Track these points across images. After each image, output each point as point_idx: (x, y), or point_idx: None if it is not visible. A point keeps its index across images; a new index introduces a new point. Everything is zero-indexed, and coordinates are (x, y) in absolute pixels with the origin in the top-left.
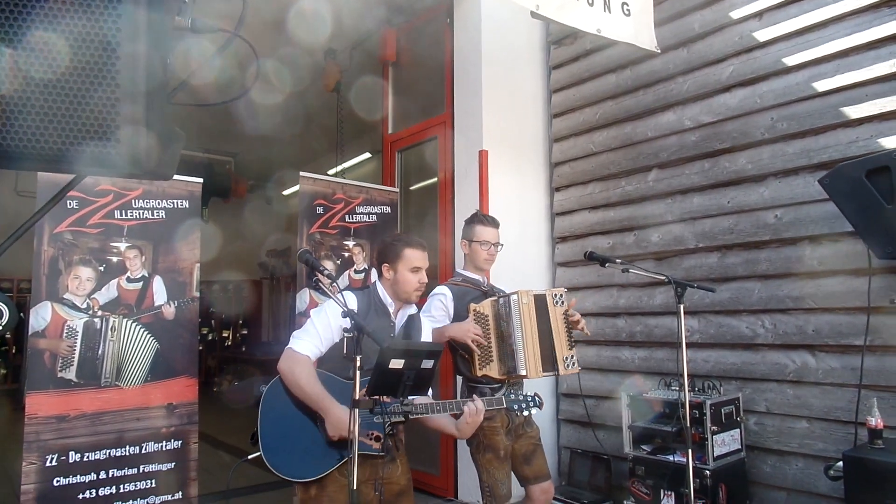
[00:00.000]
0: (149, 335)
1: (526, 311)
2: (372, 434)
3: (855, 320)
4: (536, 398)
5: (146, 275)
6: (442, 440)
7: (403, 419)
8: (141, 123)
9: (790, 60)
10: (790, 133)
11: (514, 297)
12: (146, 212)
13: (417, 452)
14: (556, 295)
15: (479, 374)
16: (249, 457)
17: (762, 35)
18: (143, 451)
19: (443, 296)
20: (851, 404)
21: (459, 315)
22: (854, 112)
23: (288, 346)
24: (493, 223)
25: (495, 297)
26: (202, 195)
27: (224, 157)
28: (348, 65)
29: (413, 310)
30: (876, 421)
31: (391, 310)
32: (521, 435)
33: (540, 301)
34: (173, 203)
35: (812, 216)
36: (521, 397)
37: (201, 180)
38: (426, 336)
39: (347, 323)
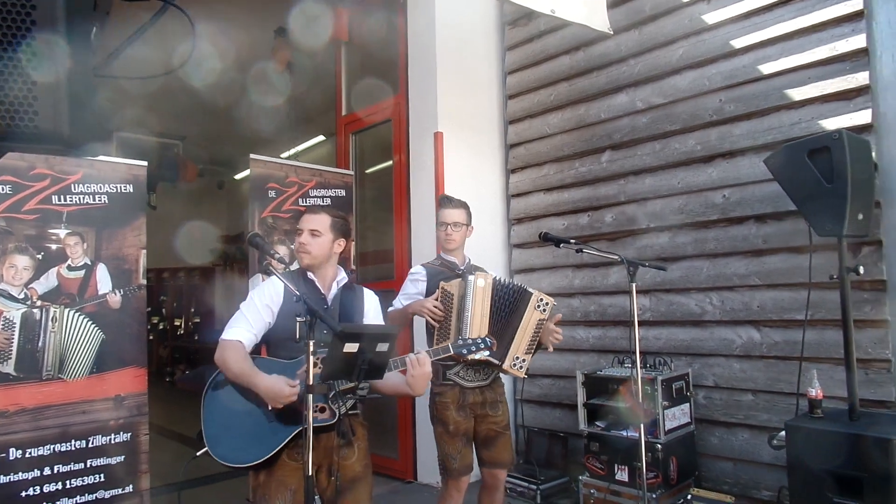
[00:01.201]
0: (93, 325)
1: (480, 293)
2: (317, 406)
3: (797, 296)
4: (487, 339)
5: (89, 262)
6: (400, 423)
7: (360, 398)
8: (62, 98)
9: (737, 43)
10: (737, 115)
11: (471, 277)
12: (87, 196)
13: (375, 436)
14: (542, 300)
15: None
16: (197, 454)
17: (711, 17)
18: (91, 445)
19: (418, 273)
20: (793, 376)
21: (431, 293)
22: (797, 94)
23: (220, 337)
24: (451, 204)
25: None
26: (149, 180)
27: (172, 140)
28: (299, 44)
29: (343, 279)
30: (816, 392)
31: (317, 283)
32: (482, 417)
33: (514, 294)
34: (116, 187)
35: (758, 196)
36: (468, 341)
37: (145, 163)
38: (370, 306)
39: (275, 302)
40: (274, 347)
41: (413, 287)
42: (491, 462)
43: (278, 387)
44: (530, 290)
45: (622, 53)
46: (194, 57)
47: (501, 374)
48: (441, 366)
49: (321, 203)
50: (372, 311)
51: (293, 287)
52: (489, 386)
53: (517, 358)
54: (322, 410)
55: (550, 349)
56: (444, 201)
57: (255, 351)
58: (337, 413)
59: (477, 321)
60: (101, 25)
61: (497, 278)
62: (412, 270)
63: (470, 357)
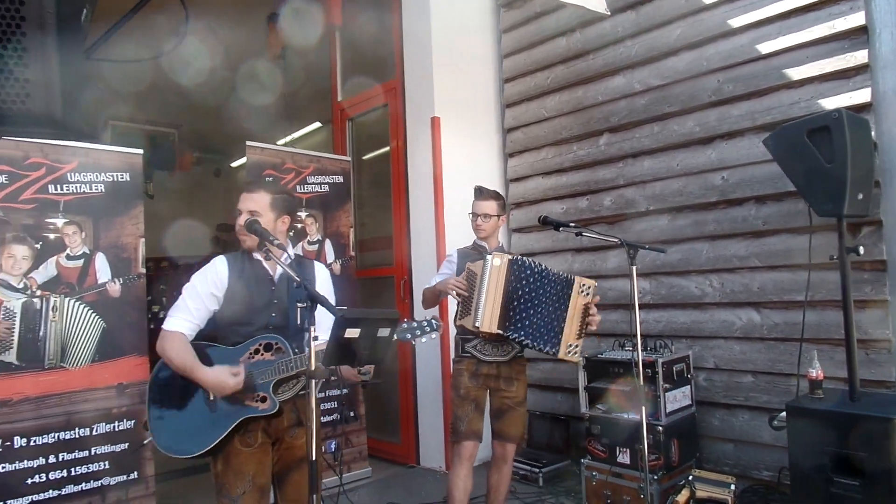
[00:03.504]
0: (94, 314)
1: (496, 271)
2: (258, 396)
3: (797, 277)
4: (433, 322)
5: (87, 251)
6: (402, 407)
7: (362, 384)
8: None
9: (735, 22)
10: (736, 95)
11: (489, 256)
12: (83, 185)
13: (378, 421)
14: (585, 284)
15: (458, 323)
16: (144, 442)
17: None
18: (94, 433)
19: (450, 256)
20: (794, 357)
21: (461, 273)
22: (796, 74)
23: (162, 326)
24: (482, 195)
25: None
26: (144, 169)
27: (167, 128)
28: (293, 30)
29: (289, 256)
30: (816, 372)
31: (263, 263)
32: (496, 390)
33: (556, 283)
34: (112, 176)
35: (757, 177)
36: (413, 324)
37: (141, 151)
38: (321, 279)
39: (219, 288)
40: (222, 332)
41: (446, 268)
42: (499, 433)
43: (221, 378)
44: (571, 276)
45: (619, 34)
46: (187, 43)
47: (524, 354)
48: (461, 339)
49: (319, 189)
50: (323, 284)
51: (220, 271)
52: (507, 363)
53: (570, 345)
54: (262, 400)
55: (594, 328)
56: (476, 192)
57: (206, 336)
58: (277, 403)
59: (491, 297)
60: (92, 8)
61: (520, 259)
62: (448, 253)
63: (415, 341)
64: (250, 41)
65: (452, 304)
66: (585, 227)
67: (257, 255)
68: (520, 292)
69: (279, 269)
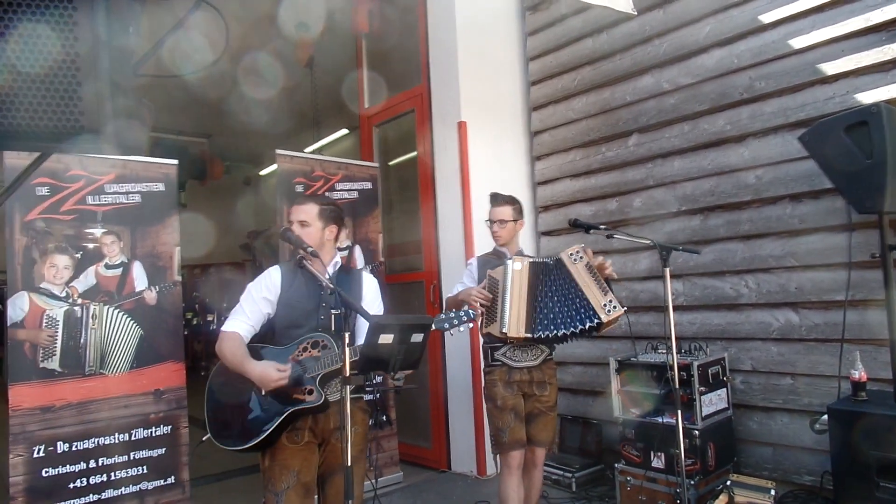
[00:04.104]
0: (132, 321)
1: (518, 275)
2: (305, 388)
3: (836, 276)
4: (469, 311)
5: (125, 260)
6: (433, 413)
7: (395, 389)
8: (105, 97)
9: (766, 18)
10: (768, 92)
11: (510, 261)
12: (120, 196)
13: (409, 426)
14: (571, 254)
15: (484, 332)
16: (203, 439)
17: None
18: (133, 438)
19: (470, 264)
20: (834, 359)
21: (482, 281)
22: (830, 68)
23: (221, 328)
24: (496, 201)
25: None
26: (178, 178)
27: (198, 138)
28: (320, 38)
29: (337, 262)
30: (859, 374)
31: (314, 271)
32: (529, 395)
33: (550, 267)
34: (148, 186)
35: (792, 174)
36: (451, 314)
37: (176, 162)
38: (368, 289)
39: (272, 293)
40: (277, 335)
41: (467, 277)
42: (530, 438)
43: (267, 372)
44: (558, 255)
45: (647, 33)
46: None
47: (553, 356)
48: (489, 347)
49: (348, 196)
50: (370, 294)
51: (274, 279)
52: (538, 367)
53: (603, 305)
54: (310, 393)
55: (616, 276)
56: (491, 199)
57: (262, 339)
58: (323, 395)
59: (515, 301)
60: (138, 24)
61: (534, 259)
62: (468, 262)
63: (451, 331)
64: (280, 49)
65: None
66: (616, 229)
67: (307, 264)
68: (543, 292)
69: (328, 275)
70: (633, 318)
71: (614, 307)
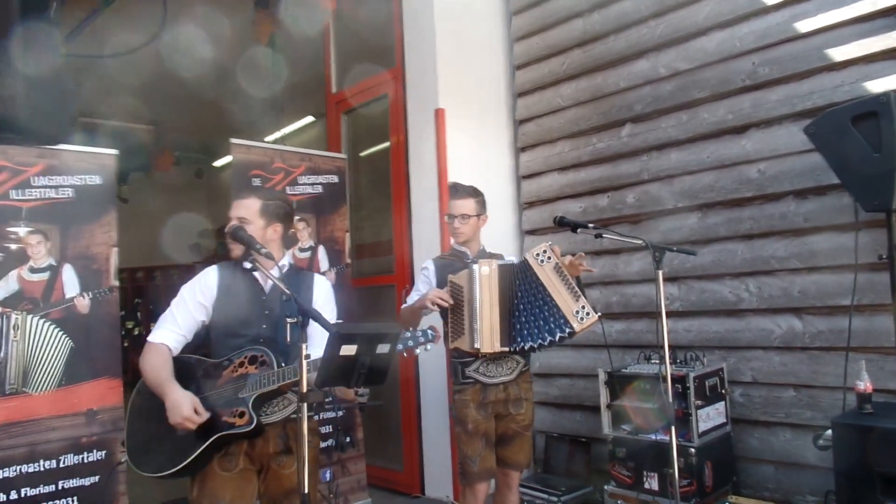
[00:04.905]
0: (61, 333)
1: (486, 281)
2: (236, 411)
3: (842, 279)
4: (429, 332)
5: (53, 263)
6: (405, 431)
7: (360, 406)
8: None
9: None
10: (772, 79)
11: (475, 266)
12: (50, 190)
13: (378, 447)
14: (538, 254)
15: (451, 347)
16: (120, 462)
17: None
18: (62, 466)
19: (425, 269)
20: (839, 369)
21: (443, 288)
22: (838, 54)
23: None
24: (458, 193)
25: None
26: (119, 170)
27: (144, 125)
28: (283, 15)
29: (285, 265)
30: (864, 385)
31: (255, 272)
32: (504, 416)
33: (516, 270)
34: (82, 179)
35: (797, 169)
36: (417, 334)
37: (115, 151)
38: (319, 293)
39: (207, 297)
40: (214, 345)
41: (423, 284)
42: (505, 461)
43: (180, 403)
44: (524, 256)
45: (642, 14)
46: (166, 33)
47: (529, 366)
48: (459, 363)
49: (311, 190)
50: (321, 298)
51: (209, 282)
52: (514, 381)
53: (575, 312)
54: (241, 415)
55: (594, 270)
56: (451, 190)
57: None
58: (255, 419)
59: (486, 311)
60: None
61: (503, 262)
62: (422, 266)
63: (417, 349)
64: (235, 28)
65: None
66: (605, 228)
67: (247, 264)
68: (516, 299)
69: (270, 280)
70: (623, 326)
71: (587, 314)
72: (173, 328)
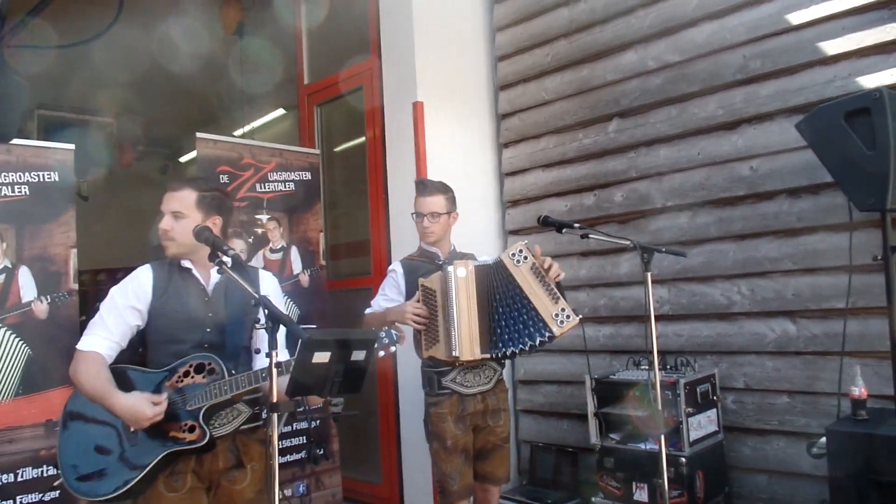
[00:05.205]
0: (17, 339)
1: (463, 283)
2: (185, 425)
3: (837, 281)
4: (392, 333)
5: (8, 266)
6: (382, 440)
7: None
8: None
9: None
10: (764, 73)
11: (450, 268)
12: (4, 188)
13: (355, 458)
14: (513, 254)
15: (425, 355)
16: (55, 483)
17: None
18: (19, 480)
19: (393, 272)
20: (834, 374)
21: (411, 292)
22: (830, 48)
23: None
24: (426, 190)
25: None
26: (78, 166)
27: (104, 118)
28: (251, 2)
29: (227, 261)
30: (859, 390)
31: (195, 271)
32: (482, 428)
33: (492, 270)
34: (38, 176)
35: (790, 166)
36: (381, 335)
37: (73, 146)
38: (267, 290)
39: (141, 300)
40: (150, 353)
41: (391, 288)
42: (484, 476)
43: (138, 407)
44: (499, 256)
45: (630, 3)
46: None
47: (505, 379)
48: (435, 373)
49: (283, 188)
50: (271, 296)
51: (143, 281)
52: (491, 391)
53: (555, 315)
54: (190, 430)
55: (560, 274)
56: (418, 187)
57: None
58: (207, 432)
59: (464, 315)
60: None
61: (479, 263)
62: (389, 268)
63: (381, 353)
64: (201, 17)
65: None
66: (592, 228)
67: (186, 263)
68: (495, 302)
69: (213, 279)
70: (611, 330)
71: (567, 317)
72: (105, 334)
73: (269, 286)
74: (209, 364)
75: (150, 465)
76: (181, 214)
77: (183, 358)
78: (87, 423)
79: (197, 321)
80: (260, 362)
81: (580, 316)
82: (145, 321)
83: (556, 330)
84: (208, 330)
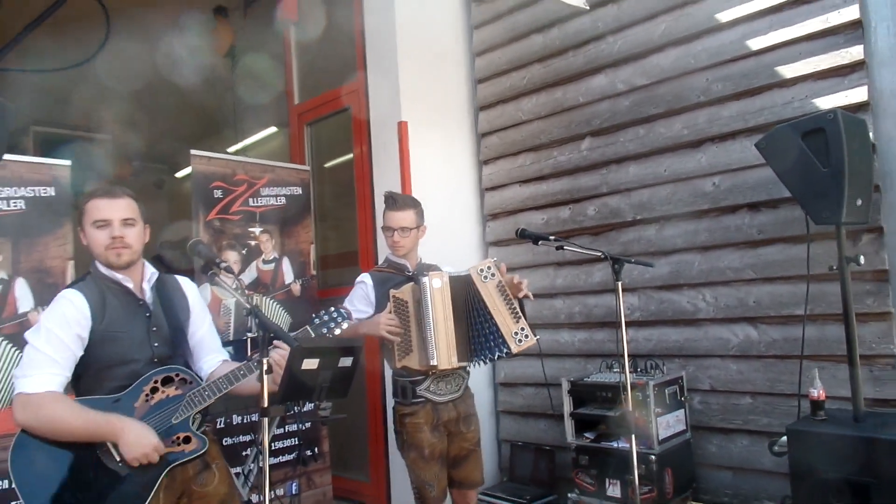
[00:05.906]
0: (13, 348)
1: (439, 294)
2: (178, 437)
3: (796, 289)
4: (343, 311)
5: (5, 277)
6: (371, 439)
7: (322, 420)
8: None
9: (723, 16)
10: (726, 95)
11: (425, 279)
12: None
13: (344, 458)
14: (482, 270)
15: (399, 365)
16: None
17: None
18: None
19: (363, 284)
20: (794, 376)
21: (381, 304)
22: (788, 71)
23: (16, 391)
24: (395, 205)
25: (415, 282)
26: (74, 181)
27: (101, 134)
28: (243, 24)
29: (153, 274)
30: (818, 392)
31: (130, 285)
32: (455, 435)
33: (462, 283)
34: (35, 191)
35: (750, 182)
36: (324, 317)
37: (69, 162)
38: (193, 300)
39: (83, 326)
40: (92, 380)
41: (360, 300)
42: (461, 482)
43: (144, 436)
44: (467, 270)
45: (600, 30)
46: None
47: (470, 386)
48: (409, 382)
49: (275, 202)
50: (197, 303)
51: (78, 306)
52: (461, 398)
53: (514, 334)
54: (186, 441)
55: (531, 297)
56: (388, 201)
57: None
58: (205, 440)
59: (441, 326)
60: None
61: (452, 273)
62: (358, 279)
63: (337, 331)
64: (195, 38)
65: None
66: (566, 240)
67: (119, 277)
68: (465, 307)
69: (147, 291)
70: (585, 335)
71: (526, 336)
72: (54, 370)
73: (193, 292)
74: (177, 375)
75: (158, 483)
76: (132, 221)
77: (143, 377)
78: (59, 470)
79: (143, 338)
80: (206, 366)
81: (538, 336)
82: (86, 348)
83: (513, 347)
84: (156, 344)
